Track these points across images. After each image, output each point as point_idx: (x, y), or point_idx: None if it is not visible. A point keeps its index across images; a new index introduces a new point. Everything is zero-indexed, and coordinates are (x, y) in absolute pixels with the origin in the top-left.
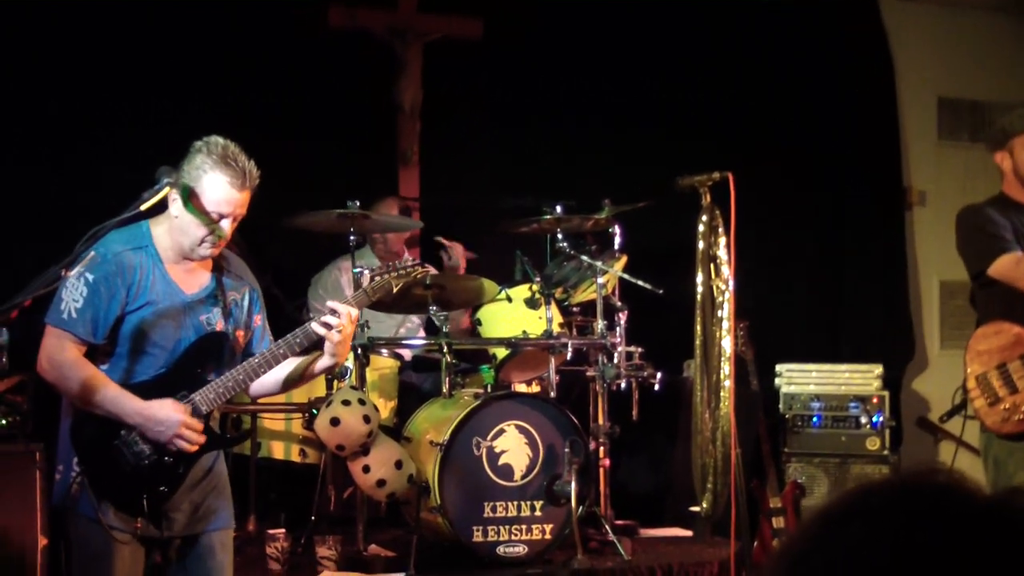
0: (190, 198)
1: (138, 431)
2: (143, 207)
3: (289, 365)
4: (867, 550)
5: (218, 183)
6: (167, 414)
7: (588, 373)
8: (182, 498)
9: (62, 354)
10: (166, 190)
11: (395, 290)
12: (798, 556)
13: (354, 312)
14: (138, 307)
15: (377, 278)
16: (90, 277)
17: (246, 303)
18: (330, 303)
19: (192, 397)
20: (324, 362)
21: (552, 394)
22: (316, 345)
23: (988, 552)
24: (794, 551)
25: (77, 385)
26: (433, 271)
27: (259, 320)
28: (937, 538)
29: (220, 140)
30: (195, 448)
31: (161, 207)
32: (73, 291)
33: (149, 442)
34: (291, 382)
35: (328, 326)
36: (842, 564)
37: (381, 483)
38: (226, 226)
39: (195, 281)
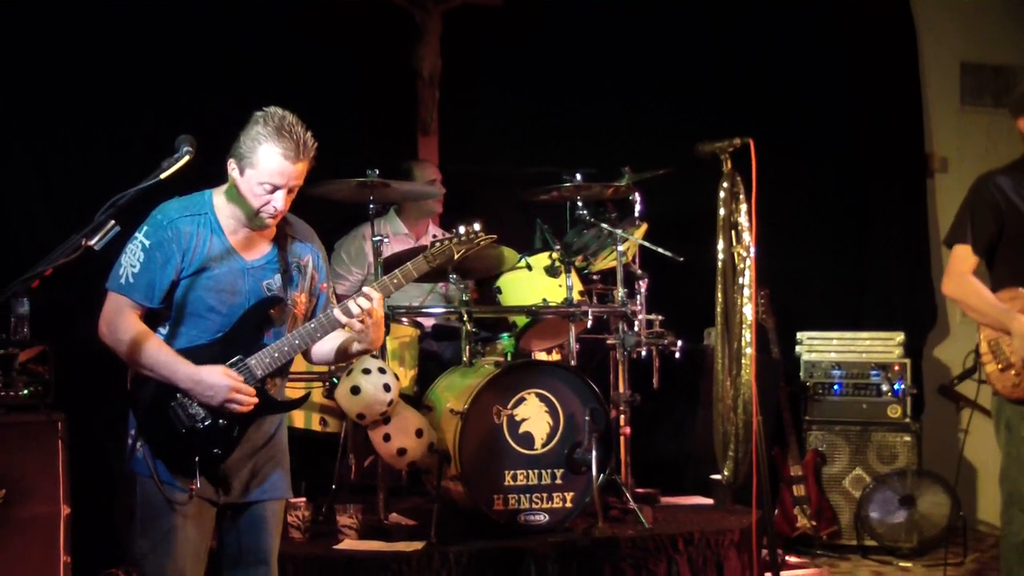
0: (237, 179)
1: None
2: (163, 176)
3: (341, 336)
4: None
5: (271, 154)
6: (216, 379)
7: (608, 341)
8: (242, 463)
9: (119, 318)
10: (186, 158)
11: (456, 258)
12: None
13: (376, 297)
14: (194, 272)
15: (438, 244)
16: (147, 243)
17: (310, 268)
18: (365, 288)
19: (247, 361)
20: (356, 347)
21: (572, 362)
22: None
23: None
24: None
25: (131, 348)
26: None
27: (325, 287)
28: None
29: (278, 111)
30: (247, 409)
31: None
32: (131, 256)
33: (203, 405)
34: (339, 355)
35: (349, 313)
36: None
37: (402, 452)
38: (280, 197)
39: (256, 248)
